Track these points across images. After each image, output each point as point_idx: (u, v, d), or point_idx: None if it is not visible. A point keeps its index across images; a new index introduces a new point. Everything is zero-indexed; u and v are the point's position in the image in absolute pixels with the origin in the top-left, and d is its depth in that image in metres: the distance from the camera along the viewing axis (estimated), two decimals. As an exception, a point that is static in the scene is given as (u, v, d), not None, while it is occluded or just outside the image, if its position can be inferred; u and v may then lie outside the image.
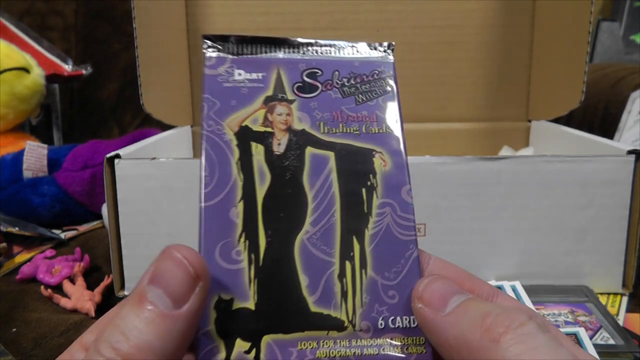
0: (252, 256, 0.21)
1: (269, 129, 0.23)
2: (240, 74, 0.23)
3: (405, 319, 0.21)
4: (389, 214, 0.22)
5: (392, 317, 0.21)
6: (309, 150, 0.22)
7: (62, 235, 0.64)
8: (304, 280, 0.21)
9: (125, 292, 0.49)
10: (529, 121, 0.76)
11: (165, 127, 0.72)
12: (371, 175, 0.22)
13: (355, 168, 0.22)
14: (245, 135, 0.22)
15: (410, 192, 0.22)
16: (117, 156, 0.47)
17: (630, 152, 0.47)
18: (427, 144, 0.76)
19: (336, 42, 0.24)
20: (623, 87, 0.85)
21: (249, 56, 0.24)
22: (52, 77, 0.88)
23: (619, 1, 1.52)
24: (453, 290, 0.19)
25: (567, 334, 0.41)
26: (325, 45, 0.24)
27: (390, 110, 0.24)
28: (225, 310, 0.20)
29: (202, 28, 0.75)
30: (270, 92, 0.23)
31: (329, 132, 0.23)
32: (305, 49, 0.24)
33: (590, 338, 0.40)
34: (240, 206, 0.21)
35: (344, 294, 0.21)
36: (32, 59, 0.82)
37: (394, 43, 0.25)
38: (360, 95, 0.24)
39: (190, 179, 0.47)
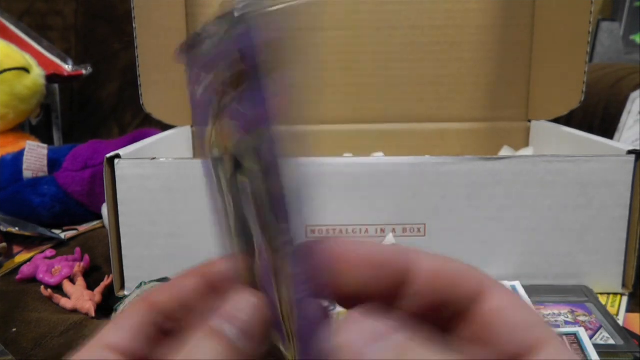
0: None
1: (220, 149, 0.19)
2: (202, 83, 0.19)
3: None
4: None
5: None
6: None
7: (62, 235, 0.64)
8: None
9: (125, 292, 0.49)
10: (529, 121, 0.76)
11: (165, 127, 0.72)
12: None
13: None
14: (213, 159, 0.19)
15: None
16: (117, 156, 0.47)
17: (630, 152, 0.47)
18: (427, 144, 0.76)
19: None
20: (623, 87, 0.85)
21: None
22: (52, 77, 0.88)
23: (619, 1, 1.52)
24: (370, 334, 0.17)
25: (567, 334, 0.41)
26: None
27: None
28: None
29: (202, 28, 0.75)
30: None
31: None
32: None
33: (590, 338, 0.40)
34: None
35: None
36: (32, 59, 0.82)
37: None
38: None
39: (190, 179, 0.47)
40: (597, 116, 0.86)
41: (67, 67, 0.91)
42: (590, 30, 0.62)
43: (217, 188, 0.19)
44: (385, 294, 0.19)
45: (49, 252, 0.58)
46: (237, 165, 0.18)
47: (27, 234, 0.63)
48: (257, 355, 0.18)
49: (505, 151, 0.75)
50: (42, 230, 0.63)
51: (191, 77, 0.19)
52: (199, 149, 0.20)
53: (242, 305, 0.18)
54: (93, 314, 0.47)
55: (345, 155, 0.73)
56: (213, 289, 0.20)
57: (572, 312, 0.45)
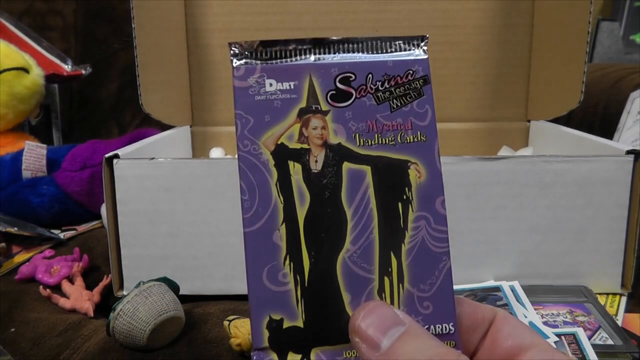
0: (298, 278, 0.22)
1: (305, 146, 0.22)
2: (271, 85, 0.22)
3: (438, 327, 0.22)
4: (423, 227, 0.22)
5: (427, 326, 0.22)
6: (346, 166, 0.22)
7: (61, 235, 0.64)
8: (346, 297, 0.22)
9: (124, 292, 0.49)
10: (528, 121, 0.76)
11: (164, 127, 0.72)
12: (407, 189, 0.22)
13: (391, 182, 0.22)
14: (282, 154, 0.22)
15: (444, 203, 0.22)
16: (116, 156, 0.47)
17: (629, 152, 0.47)
18: (426, 144, 0.76)
19: (369, 39, 0.23)
20: (623, 87, 0.85)
21: (279, 62, 0.23)
22: (52, 77, 0.88)
23: (619, 1, 1.52)
24: (387, 324, 0.20)
25: (566, 334, 0.41)
26: (357, 43, 0.23)
27: (424, 115, 0.23)
28: (277, 330, 0.21)
29: (201, 28, 0.75)
30: (303, 104, 0.22)
31: (364, 144, 0.22)
32: (337, 47, 0.23)
33: (589, 338, 0.40)
34: (282, 229, 0.22)
35: None
36: (32, 59, 0.82)
37: (427, 36, 0.24)
38: (394, 101, 0.23)
39: (188, 179, 0.47)
40: (597, 116, 0.86)
41: (67, 67, 0.91)
42: (590, 30, 0.62)
43: (274, 179, 0.22)
44: None
45: (48, 252, 0.58)
46: (341, 157, 0.22)
47: (26, 234, 0.63)
48: None
49: (504, 151, 0.75)
50: (41, 230, 0.63)
51: (251, 75, 0.22)
52: (242, 143, 0.22)
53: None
54: (92, 314, 0.47)
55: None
56: None
57: (571, 312, 0.45)
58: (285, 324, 0.21)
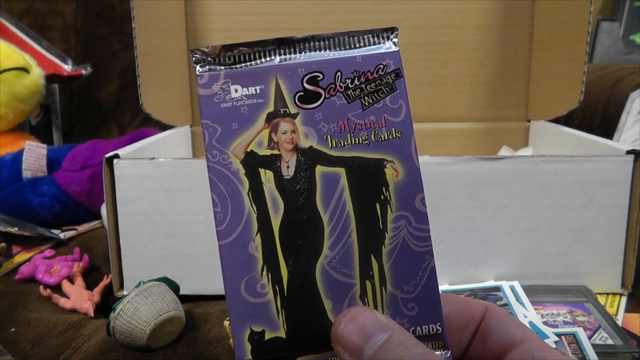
0: (276, 288, 0.21)
1: (275, 152, 0.22)
2: (237, 90, 0.22)
3: (425, 328, 0.21)
4: (404, 227, 0.22)
5: (413, 328, 0.21)
6: (319, 170, 0.22)
7: (62, 235, 0.64)
8: (328, 304, 0.21)
9: (124, 292, 0.49)
10: (528, 121, 0.76)
11: (164, 127, 0.72)
12: (384, 188, 0.22)
13: (367, 183, 0.22)
14: (252, 162, 0.21)
15: (424, 200, 0.22)
16: (116, 156, 0.47)
17: (629, 152, 0.47)
18: (426, 144, 0.76)
19: (336, 35, 0.22)
20: (623, 87, 0.85)
21: (243, 66, 0.22)
22: (52, 77, 0.88)
23: (619, 1, 1.52)
24: (369, 331, 0.19)
25: (566, 334, 0.41)
26: (324, 40, 0.22)
27: (398, 111, 0.22)
28: (259, 341, 0.21)
29: (201, 28, 0.75)
30: (271, 108, 0.22)
31: (337, 146, 0.22)
32: (303, 46, 0.22)
33: (589, 338, 0.40)
34: (257, 239, 0.21)
35: None
36: (32, 59, 0.82)
37: (397, 28, 0.23)
38: (366, 98, 0.22)
39: (189, 179, 0.47)
40: (597, 116, 0.86)
41: (67, 67, 0.91)
42: (590, 30, 0.62)
43: (245, 189, 0.21)
44: None
45: (48, 252, 0.58)
46: (314, 160, 0.22)
47: (26, 234, 0.63)
48: None
49: (504, 151, 0.75)
50: (42, 230, 0.63)
51: (215, 82, 0.22)
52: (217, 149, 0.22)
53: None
54: (92, 314, 0.47)
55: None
56: None
57: (571, 312, 0.45)
58: (267, 336, 0.21)
